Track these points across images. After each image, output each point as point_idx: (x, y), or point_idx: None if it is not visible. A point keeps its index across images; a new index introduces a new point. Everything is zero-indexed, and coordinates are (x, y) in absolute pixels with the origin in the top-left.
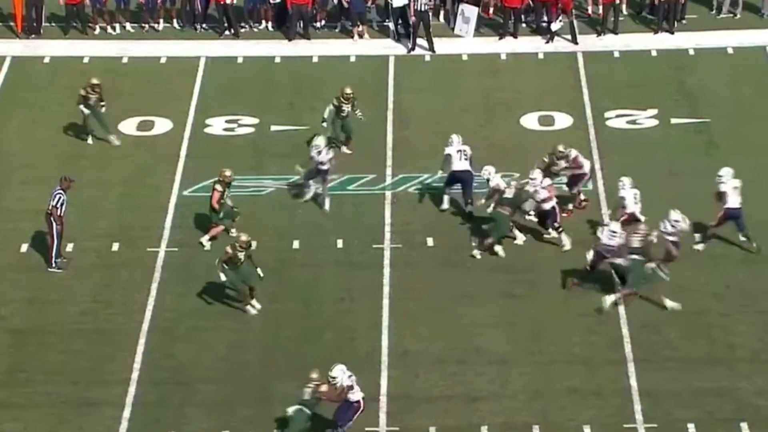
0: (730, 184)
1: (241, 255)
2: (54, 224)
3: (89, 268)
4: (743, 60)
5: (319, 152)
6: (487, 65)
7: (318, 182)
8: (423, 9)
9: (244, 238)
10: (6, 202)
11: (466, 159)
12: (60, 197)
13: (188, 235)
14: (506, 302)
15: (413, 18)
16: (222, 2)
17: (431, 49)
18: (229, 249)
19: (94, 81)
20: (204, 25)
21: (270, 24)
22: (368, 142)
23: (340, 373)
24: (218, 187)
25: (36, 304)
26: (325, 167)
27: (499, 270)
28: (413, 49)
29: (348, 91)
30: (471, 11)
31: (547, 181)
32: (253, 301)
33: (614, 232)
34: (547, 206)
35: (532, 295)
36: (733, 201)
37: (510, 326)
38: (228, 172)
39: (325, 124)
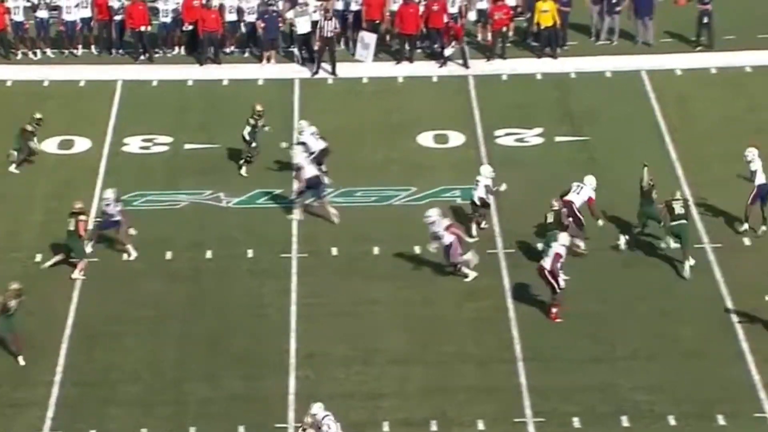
0: (758, 163)
1: (13, 303)
2: None
3: (14, 278)
4: (621, 83)
5: (108, 205)
6: (386, 87)
7: None
8: (328, 35)
9: (15, 286)
10: None
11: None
12: None
13: (106, 246)
14: (405, 306)
15: (318, 43)
16: (137, 29)
17: (334, 72)
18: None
19: (38, 115)
20: (120, 51)
21: (182, 49)
22: (275, 158)
23: (319, 410)
24: (82, 217)
25: None
26: (116, 218)
27: (398, 278)
28: (317, 72)
29: (259, 107)
30: (370, 38)
31: (447, 221)
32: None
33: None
34: (445, 241)
35: (430, 300)
36: (761, 178)
37: (409, 328)
38: (78, 204)
39: (252, 143)
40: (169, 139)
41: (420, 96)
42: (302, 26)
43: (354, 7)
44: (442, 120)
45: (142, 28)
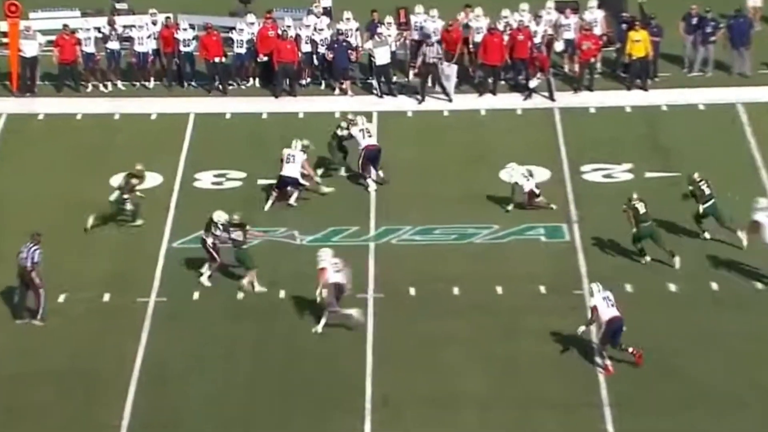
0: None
1: None
2: (35, 279)
3: (80, 317)
4: (715, 116)
5: (222, 230)
6: (468, 120)
7: None
8: (430, 61)
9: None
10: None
11: (370, 136)
12: (38, 252)
13: (176, 286)
14: (485, 347)
15: (419, 69)
16: (212, 60)
17: (449, 97)
18: None
19: (139, 167)
20: (193, 83)
21: (257, 81)
22: (351, 193)
23: None
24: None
25: (28, 352)
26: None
27: (477, 317)
28: (423, 100)
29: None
30: (451, 69)
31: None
32: None
33: None
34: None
35: (510, 340)
36: None
37: (489, 370)
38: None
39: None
40: (242, 174)
41: (503, 129)
42: (381, 57)
43: (432, 38)
44: (526, 154)
45: (216, 59)
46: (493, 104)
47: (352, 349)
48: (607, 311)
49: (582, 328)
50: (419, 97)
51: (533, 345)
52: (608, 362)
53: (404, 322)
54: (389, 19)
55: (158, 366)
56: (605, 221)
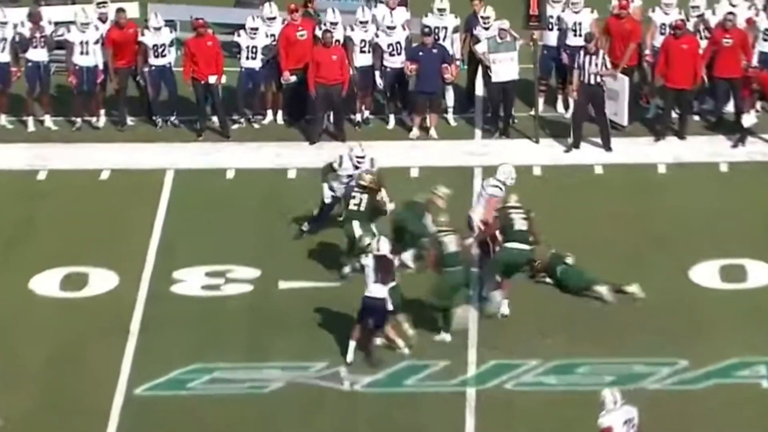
0: None
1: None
2: None
3: None
4: None
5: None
6: (636, 180)
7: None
8: (591, 83)
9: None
10: None
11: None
12: None
13: None
14: None
15: (574, 93)
16: (204, 81)
17: (607, 145)
18: None
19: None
20: (173, 119)
21: (280, 115)
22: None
23: None
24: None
25: None
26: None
27: None
28: (576, 147)
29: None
30: (621, 84)
31: None
32: None
33: None
34: None
35: None
36: None
37: None
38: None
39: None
40: (253, 273)
41: (698, 197)
42: (504, 70)
43: (574, 40)
44: (735, 240)
45: (211, 80)
46: (681, 154)
47: None
48: None
49: None
50: (570, 139)
51: None
52: None
53: None
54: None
55: None
56: None
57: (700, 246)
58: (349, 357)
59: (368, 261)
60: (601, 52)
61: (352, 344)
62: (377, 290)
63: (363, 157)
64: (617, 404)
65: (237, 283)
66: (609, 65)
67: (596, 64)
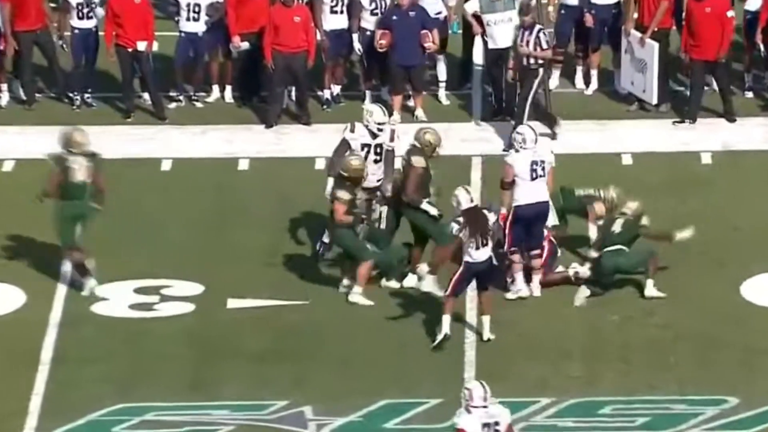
0: None
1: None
2: None
3: None
4: None
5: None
6: (672, 171)
7: None
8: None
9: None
10: None
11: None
12: None
13: None
14: None
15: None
16: (131, 49)
17: (646, 103)
18: None
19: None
20: (88, 96)
21: (228, 92)
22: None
23: None
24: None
25: None
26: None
27: None
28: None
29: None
30: (649, 50)
31: None
32: None
33: None
34: None
35: None
36: None
37: None
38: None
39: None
40: (195, 289)
41: (751, 193)
42: (501, 34)
43: None
44: None
45: (141, 47)
46: (730, 141)
47: None
48: None
49: None
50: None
51: None
52: None
53: None
54: None
55: None
56: None
57: (755, 255)
58: (486, 334)
59: (458, 225)
60: (537, 27)
61: (447, 318)
62: (481, 254)
63: (383, 123)
64: (485, 400)
65: (174, 301)
66: (544, 44)
67: (527, 42)
